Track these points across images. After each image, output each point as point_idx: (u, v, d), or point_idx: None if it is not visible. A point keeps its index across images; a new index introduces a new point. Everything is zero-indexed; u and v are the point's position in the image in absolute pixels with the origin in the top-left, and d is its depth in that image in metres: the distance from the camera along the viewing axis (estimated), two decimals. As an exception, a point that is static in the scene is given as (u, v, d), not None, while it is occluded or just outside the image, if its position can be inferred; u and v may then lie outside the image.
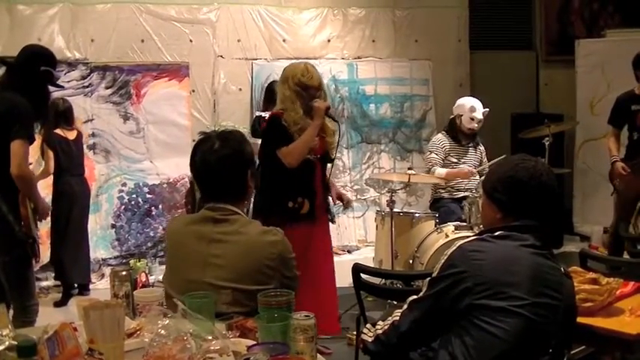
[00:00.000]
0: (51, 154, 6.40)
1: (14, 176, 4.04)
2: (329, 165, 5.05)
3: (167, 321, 2.22)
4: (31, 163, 4.29)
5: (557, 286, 2.49)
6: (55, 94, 6.77)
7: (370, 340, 2.65)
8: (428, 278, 2.54)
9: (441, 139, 6.61)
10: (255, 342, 2.25)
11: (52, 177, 6.51)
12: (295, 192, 4.74)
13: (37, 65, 4.28)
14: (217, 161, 2.77)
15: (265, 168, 4.86)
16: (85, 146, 6.91)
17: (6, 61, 4.56)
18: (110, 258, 7.37)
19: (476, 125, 6.48)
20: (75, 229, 6.58)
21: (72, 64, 7.28)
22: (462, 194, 6.45)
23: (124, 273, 2.77)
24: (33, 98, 4.20)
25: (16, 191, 4.12)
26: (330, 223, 5.19)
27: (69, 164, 6.48)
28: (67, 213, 6.47)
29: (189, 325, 2.20)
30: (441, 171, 6.41)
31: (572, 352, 2.99)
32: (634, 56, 6.36)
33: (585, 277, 3.18)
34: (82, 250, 6.69)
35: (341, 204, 5.40)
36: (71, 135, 6.54)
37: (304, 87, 4.69)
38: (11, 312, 4.20)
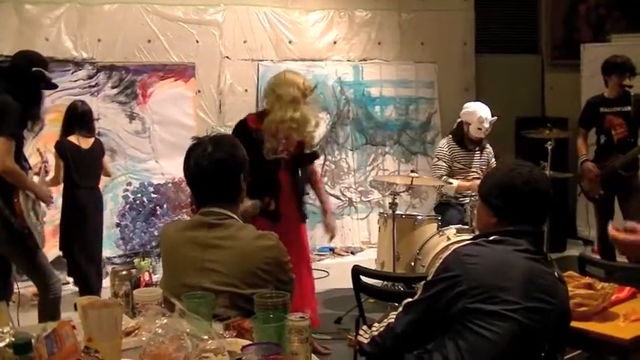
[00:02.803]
0: (61, 163, 5.82)
1: None
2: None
3: (165, 320, 2.25)
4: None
5: (551, 290, 2.51)
6: (75, 96, 6.86)
7: (366, 341, 2.68)
8: (423, 281, 2.57)
9: (446, 145, 6.49)
10: (250, 342, 2.29)
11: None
12: (261, 191, 4.79)
13: (29, 67, 4.43)
14: (210, 165, 2.80)
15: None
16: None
17: (1, 65, 4.71)
18: (115, 257, 7.39)
19: (483, 135, 6.41)
20: (87, 246, 6.00)
21: (79, 64, 7.28)
22: (467, 200, 6.35)
23: (123, 272, 2.80)
24: (24, 99, 4.34)
25: (9, 187, 4.32)
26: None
27: (79, 176, 5.86)
28: (76, 231, 5.90)
29: (186, 324, 2.24)
30: (452, 183, 6.33)
31: (567, 356, 3.01)
32: (602, 62, 6.62)
33: (580, 282, 3.20)
34: (94, 262, 6.11)
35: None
36: (86, 143, 5.92)
37: None
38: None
